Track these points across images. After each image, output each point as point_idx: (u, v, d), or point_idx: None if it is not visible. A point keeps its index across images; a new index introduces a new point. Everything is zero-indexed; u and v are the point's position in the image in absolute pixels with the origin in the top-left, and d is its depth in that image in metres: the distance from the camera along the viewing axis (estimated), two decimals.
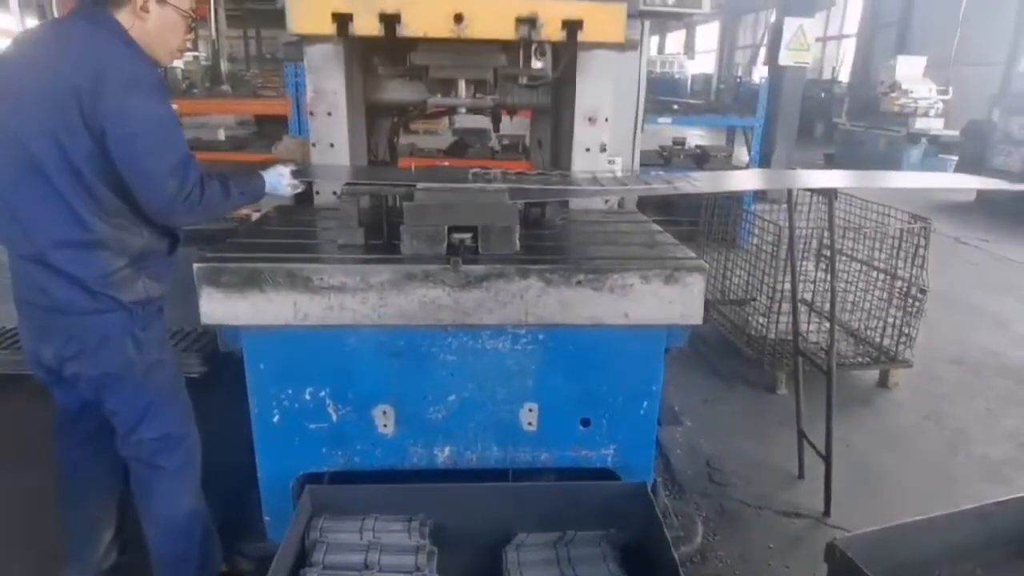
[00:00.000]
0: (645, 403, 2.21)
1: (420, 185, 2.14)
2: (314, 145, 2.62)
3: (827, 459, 2.89)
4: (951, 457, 3.38)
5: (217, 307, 1.96)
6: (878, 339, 4.15)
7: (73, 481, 2.26)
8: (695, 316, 2.07)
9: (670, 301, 2.03)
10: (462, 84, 2.51)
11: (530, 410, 2.18)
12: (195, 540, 2.21)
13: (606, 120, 2.62)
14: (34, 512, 2.62)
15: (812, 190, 3.49)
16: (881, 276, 4.11)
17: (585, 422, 2.22)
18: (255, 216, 3.61)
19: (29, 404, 2.61)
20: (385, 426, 2.15)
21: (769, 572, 2.62)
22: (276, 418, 2.14)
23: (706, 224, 4.99)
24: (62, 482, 2.24)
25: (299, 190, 2.30)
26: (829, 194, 2.79)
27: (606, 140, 2.65)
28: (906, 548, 2.34)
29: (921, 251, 3.86)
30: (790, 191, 3.04)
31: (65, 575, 2.28)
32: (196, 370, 3.40)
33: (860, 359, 4.12)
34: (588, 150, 2.64)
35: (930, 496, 2.96)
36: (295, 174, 2.25)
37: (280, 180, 2.19)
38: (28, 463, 2.70)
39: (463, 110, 2.69)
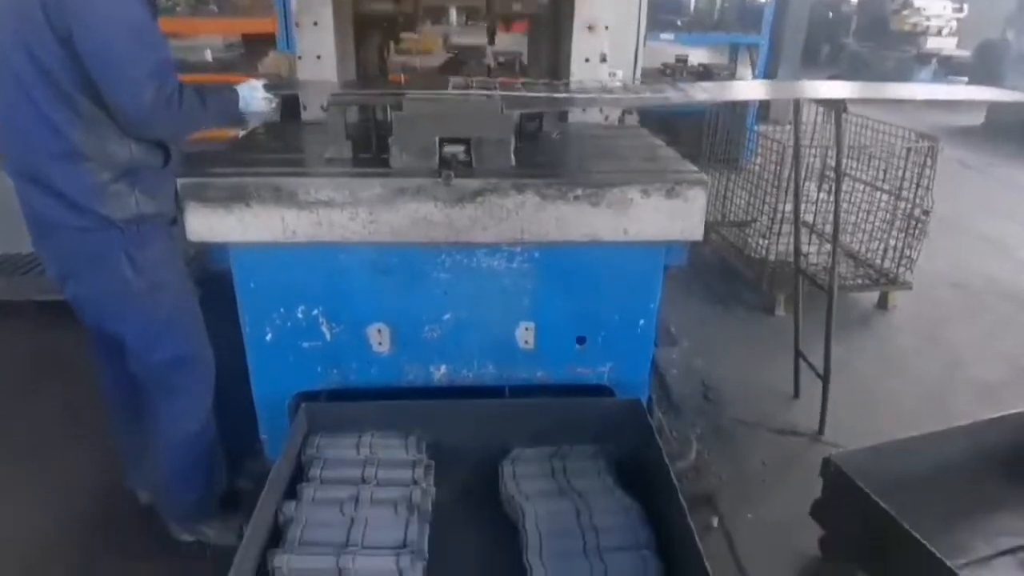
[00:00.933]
0: (642, 321, 2.19)
1: (410, 95, 2.04)
2: (300, 58, 2.50)
3: (824, 378, 2.90)
4: (946, 379, 3.41)
5: (203, 223, 1.91)
6: (878, 261, 4.11)
7: (110, 398, 2.31)
8: (695, 232, 2.02)
9: (670, 216, 1.97)
10: None
11: (526, 329, 2.16)
12: (201, 460, 2.24)
13: (606, 28, 2.50)
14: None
15: (819, 101, 3.37)
16: (885, 197, 4.05)
17: (581, 340, 2.20)
18: None
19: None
20: (380, 344, 2.13)
21: (763, 488, 2.67)
22: (269, 337, 2.12)
23: (708, 145, 4.87)
24: (103, 400, 2.30)
25: (273, 104, 2.19)
26: (836, 107, 2.69)
27: (606, 50, 2.53)
28: (900, 464, 2.37)
29: (928, 171, 3.78)
30: (796, 103, 2.93)
31: (127, 486, 2.43)
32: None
33: (860, 281, 4.10)
34: (588, 60, 2.52)
35: (924, 417, 2.98)
36: (268, 87, 2.15)
37: (254, 93, 2.09)
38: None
39: (455, 18, 2.56)
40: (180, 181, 1.89)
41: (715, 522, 2.45)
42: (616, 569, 1.75)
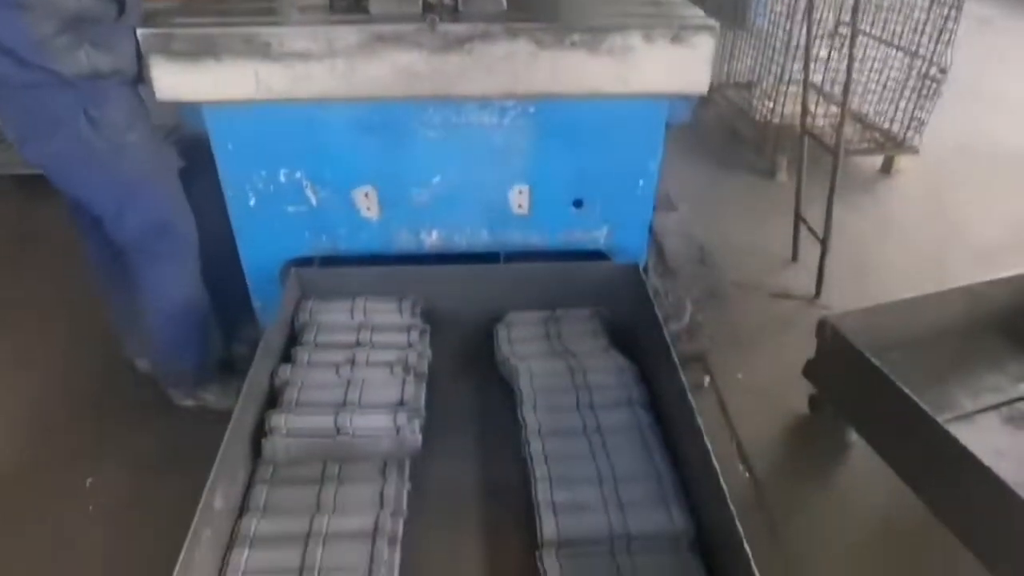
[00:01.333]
0: (641, 182, 2.09)
1: None
2: None
3: (824, 241, 2.86)
4: (947, 244, 3.36)
5: (170, 80, 1.77)
6: (886, 125, 3.96)
7: (96, 267, 2.27)
8: (701, 84, 1.88)
9: (675, 65, 1.83)
10: None
11: (520, 191, 2.08)
12: (195, 327, 2.22)
13: None
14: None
15: None
16: (899, 55, 3.82)
17: (578, 203, 2.12)
18: None
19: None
20: (368, 209, 2.05)
21: (756, 349, 2.70)
22: (252, 202, 2.04)
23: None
24: (90, 269, 2.27)
25: None
26: None
27: None
28: (895, 325, 2.37)
29: (951, 24, 3.53)
30: None
31: (124, 355, 2.46)
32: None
33: (866, 145, 3.97)
34: None
35: (922, 281, 2.95)
36: None
37: None
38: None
39: None
40: (140, 32, 1.73)
41: (706, 382, 2.49)
42: (609, 423, 1.78)
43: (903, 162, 3.97)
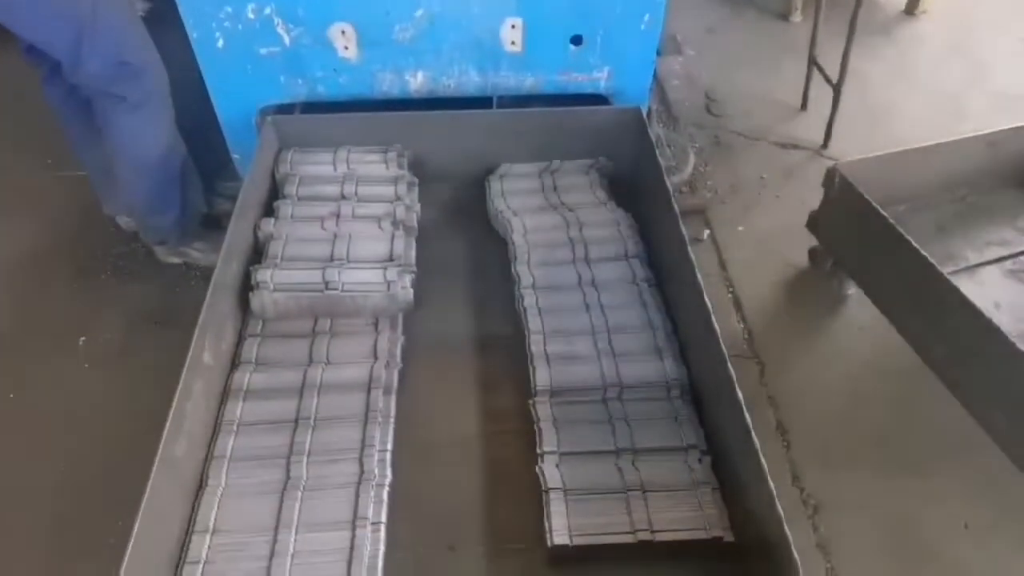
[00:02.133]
0: (647, 16, 1.90)
1: None
2: None
3: (837, 86, 2.69)
4: (967, 91, 3.18)
5: None
6: None
7: (66, 121, 2.16)
8: None
9: None
10: None
11: (513, 26, 1.89)
12: (173, 180, 2.14)
13: None
14: None
15: None
16: None
17: (577, 40, 1.94)
18: None
19: None
20: (346, 48, 1.88)
21: (759, 202, 2.63)
22: (220, 43, 1.86)
23: None
24: (61, 125, 2.17)
25: None
26: None
27: None
28: (906, 174, 2.29)
29: None
30: None
31: (105, 213, 2.41)
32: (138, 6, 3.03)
33: None
34: None
35: (938, 131, 2.80)
36: None
37: None
38: None
39: None
40: None
41: (705, 235, 2.44)
42: (604, 277, 1.74)
43: (930, 2, 3.68)
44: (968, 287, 1.86)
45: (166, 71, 1.98)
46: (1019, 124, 2.38)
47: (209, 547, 1.25)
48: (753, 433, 1.21)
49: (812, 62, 2.90)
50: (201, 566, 1.22)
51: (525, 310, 1.68)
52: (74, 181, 2.56)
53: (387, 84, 1.98)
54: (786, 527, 1.10)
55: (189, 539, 1.26)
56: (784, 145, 2.88)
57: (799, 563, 1.05)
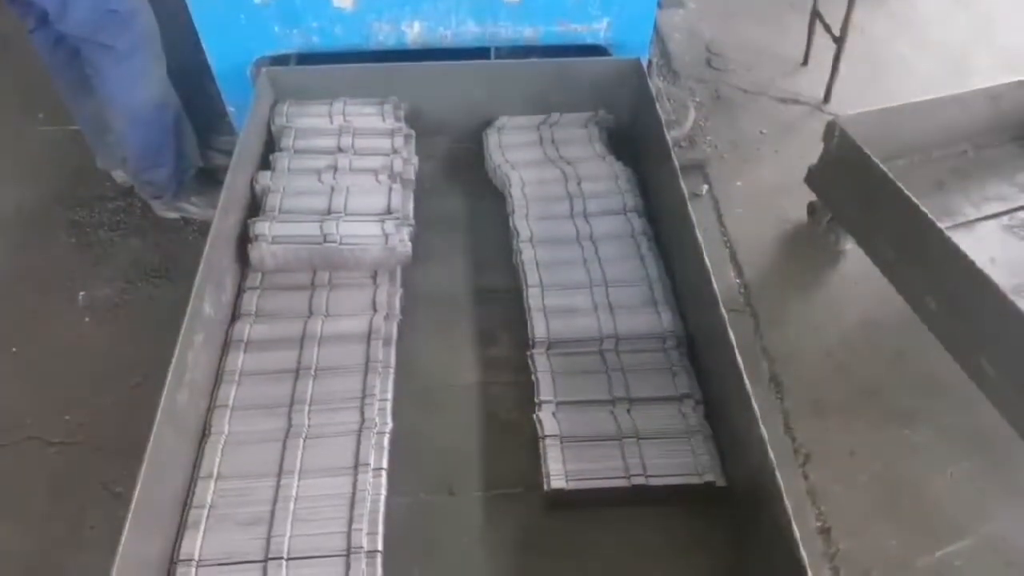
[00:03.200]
0: None
1: None
2: None
3: (840, 40, 2.68)
4: (973, 46, 3.17)
5: None
6: None
7: (57, 73, 2.16)
8: None
9: None
10: None
11: None
12: (166, 132, 2.14)
13: None
14: None
15: None
16: None
17: None
18: None
19: None
20: None
21: (758, 156, 2.65)
22: None
23: None
24: (52, 77, 2.17)
25: None
26: None
27: None
28: (907, 129, 2.30)
29: None
30: None
31: (99, 167, 2.43)
32: None
33: None
34: None
35: (940, 86, 2.82)
36: None
37: None
38: None
39: None
40: None
41: (704, 190, 2.45)
42: (602, 231, 1.75)
43: None
44: (966, 242, 1.88)
45: (156, 20, 1.96)
46: (1022, 78, 2.38)
47: (214, 492, 1.28)
48: (746, 379, 1.23)
49: (815, 15, 2.87)
50: (206, 510, 1.25)
51: (523, 263, 1.70)
52: (67, 135, 2.54)
53: (383, 35, 1.96)
54: (777, 474, 1.14)
55: (194, 485, 1.29)
56: (785, 100, 2.89)
57: (790, 509, 1.08)
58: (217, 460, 1.33)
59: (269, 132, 1.95)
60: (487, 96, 2.02)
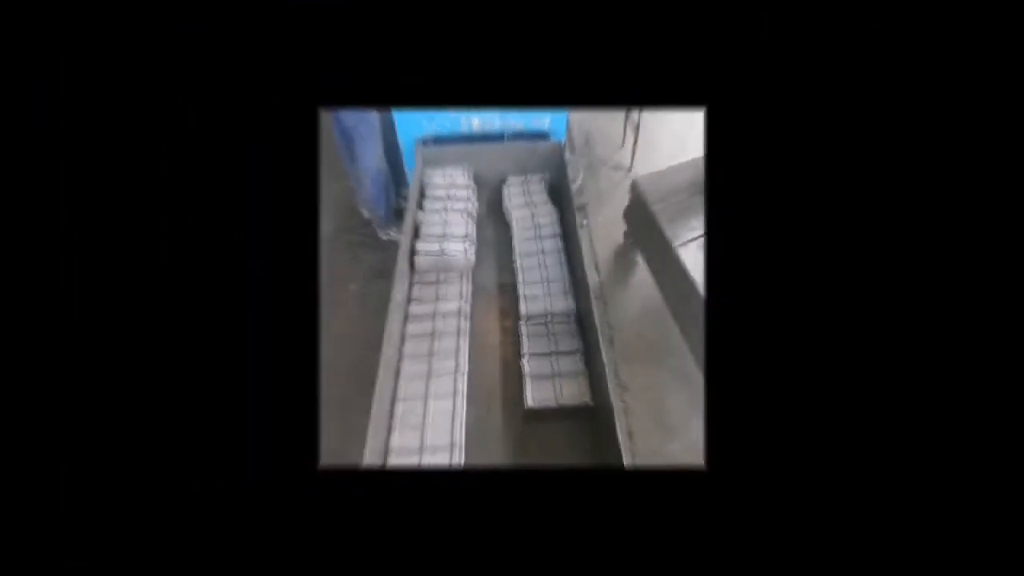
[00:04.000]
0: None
1: None
2: None
3: (636, 130, 3.95)
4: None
5: None
6: None
7: (342, 152, 3.05)
8: None
9: None
10: None
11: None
12: (382, 187, 3.16)
13: None
14: None
15: None
16: None
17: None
18: None
19: None
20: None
21: (603, 203, 3.74)
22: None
23: None
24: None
25: None
26: None
27: None
28: (678, 180, 3.05)
29: None
30: None
31: (358, 207, 3.36)
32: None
33: None
34: None
35: (695, 151, 3.68)
36: None
37: None
38: None
39: None
40: None
41: (584, 223, 3.70)
42: (546, 248, 2.81)
43: None
44: (689, 253, 2.58)
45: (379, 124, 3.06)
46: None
47: (403, 410, 2.14)
48: (601, 339, 2.00)
49: (627, 119, 4.31)
50: (399, 419, 2.12)
51: (517, 270, 2.62)
52: (345, 188, 3.53)
53: (466, 126, 3.21)
54: (612, 396, 1.77)
55: (394, 406, 2.13)
56: (616, 167, 4.28)
57: (616, 418, 1.72)
58: (404, 387, 2.19)
59: (421, 185, 3.08)
60: (503, 165, 3.25)
